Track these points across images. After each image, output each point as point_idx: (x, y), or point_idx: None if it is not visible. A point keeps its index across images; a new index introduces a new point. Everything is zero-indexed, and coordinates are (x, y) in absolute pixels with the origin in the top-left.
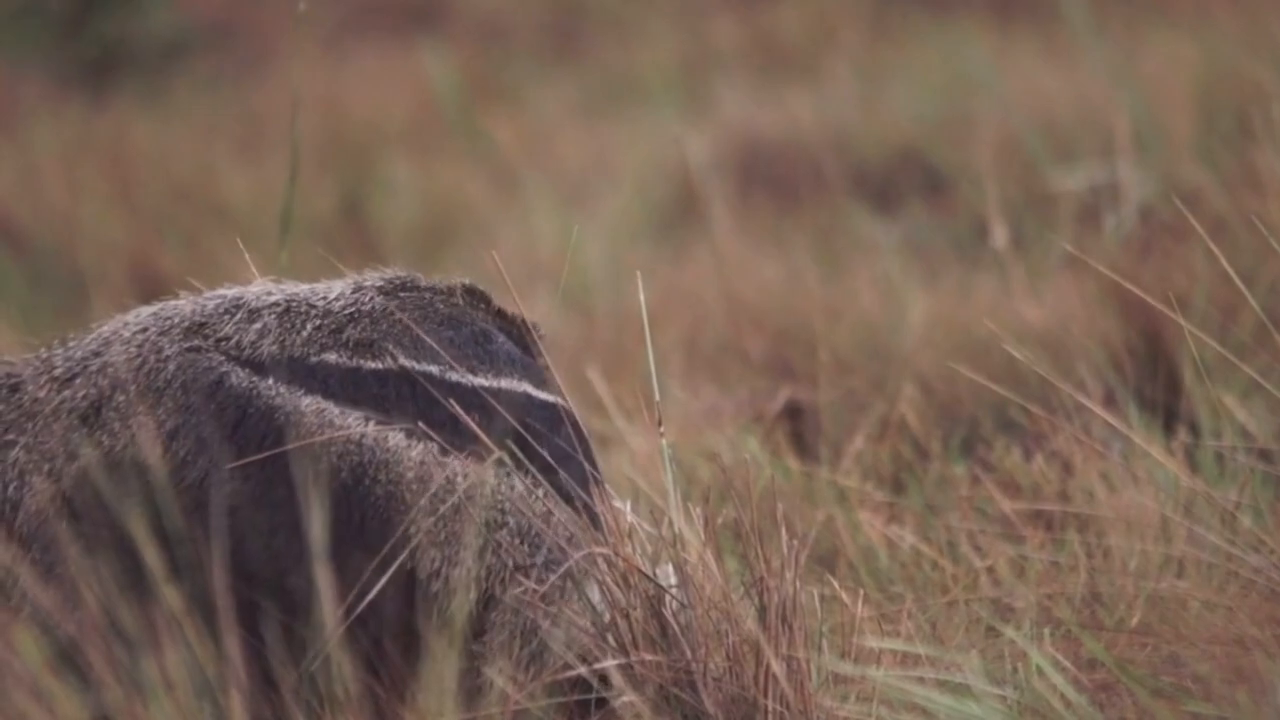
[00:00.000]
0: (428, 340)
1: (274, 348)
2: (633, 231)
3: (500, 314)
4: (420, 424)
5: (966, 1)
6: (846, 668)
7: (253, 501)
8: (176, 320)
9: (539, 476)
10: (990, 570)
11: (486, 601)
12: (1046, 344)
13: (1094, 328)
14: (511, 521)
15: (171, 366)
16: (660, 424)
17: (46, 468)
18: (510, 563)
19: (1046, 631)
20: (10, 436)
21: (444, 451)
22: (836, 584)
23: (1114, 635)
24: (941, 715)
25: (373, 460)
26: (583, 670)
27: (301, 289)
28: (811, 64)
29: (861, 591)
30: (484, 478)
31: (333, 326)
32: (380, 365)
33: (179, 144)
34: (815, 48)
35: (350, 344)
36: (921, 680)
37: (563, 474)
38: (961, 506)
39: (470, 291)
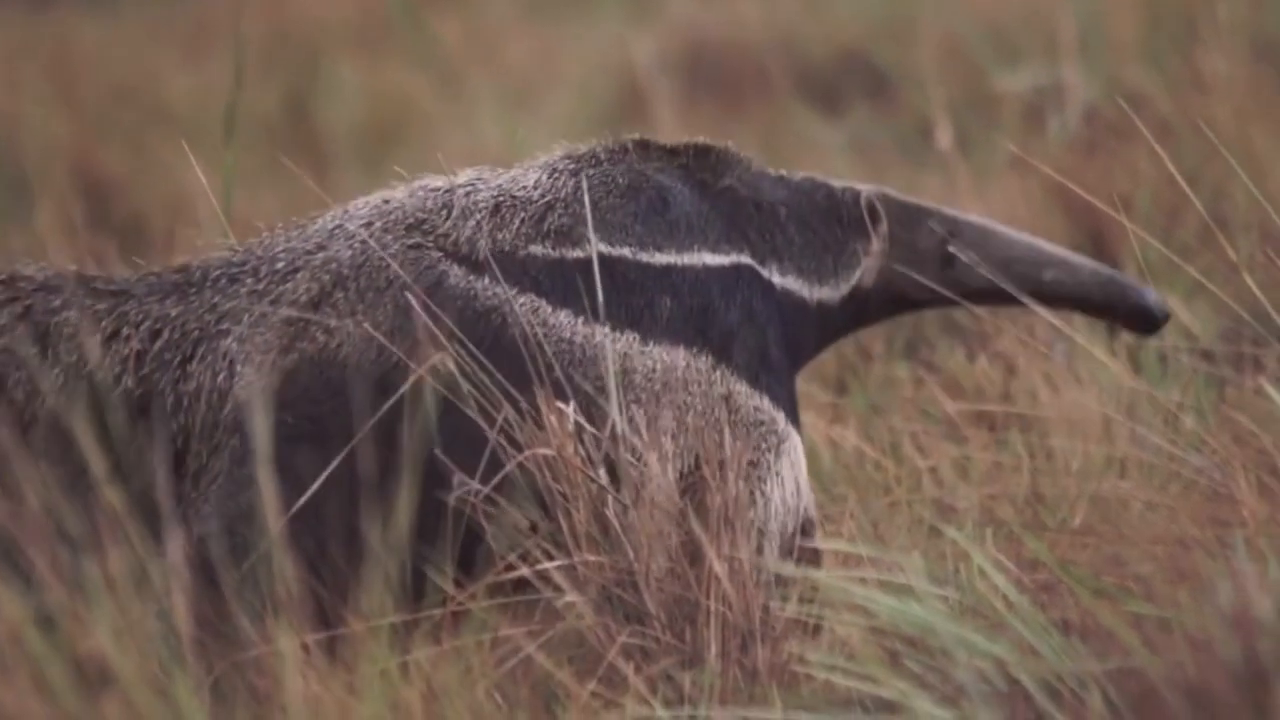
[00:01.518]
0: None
1: (487, 243)
2: (578, 133)
3: (672, 153)
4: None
5: None
6: (788, 568)
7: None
8: (398, 216)
9: (717, 357)
10: (933, 471)
11: (689, 481)
12: None
13: (1038, 228)
14: (698, 404)
15: (387, 269)
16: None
17: (258, 359)
18: (703, 445)
19: (989, 532)
20: (225, 326)
21: (643, 341)
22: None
23: (1056, 536)
24: (883, 616)
25: (582, 357)
26: (525, 571)
27: (503, 178)
28: None
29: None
30: (674, 364)
31: (536, 217)
32: (581, 253)
33: (122, 46)
34: None
35: (552, 233)
36: (863, 581)
37: (736, 345)
38: (904, 407)
39: (641, 145)
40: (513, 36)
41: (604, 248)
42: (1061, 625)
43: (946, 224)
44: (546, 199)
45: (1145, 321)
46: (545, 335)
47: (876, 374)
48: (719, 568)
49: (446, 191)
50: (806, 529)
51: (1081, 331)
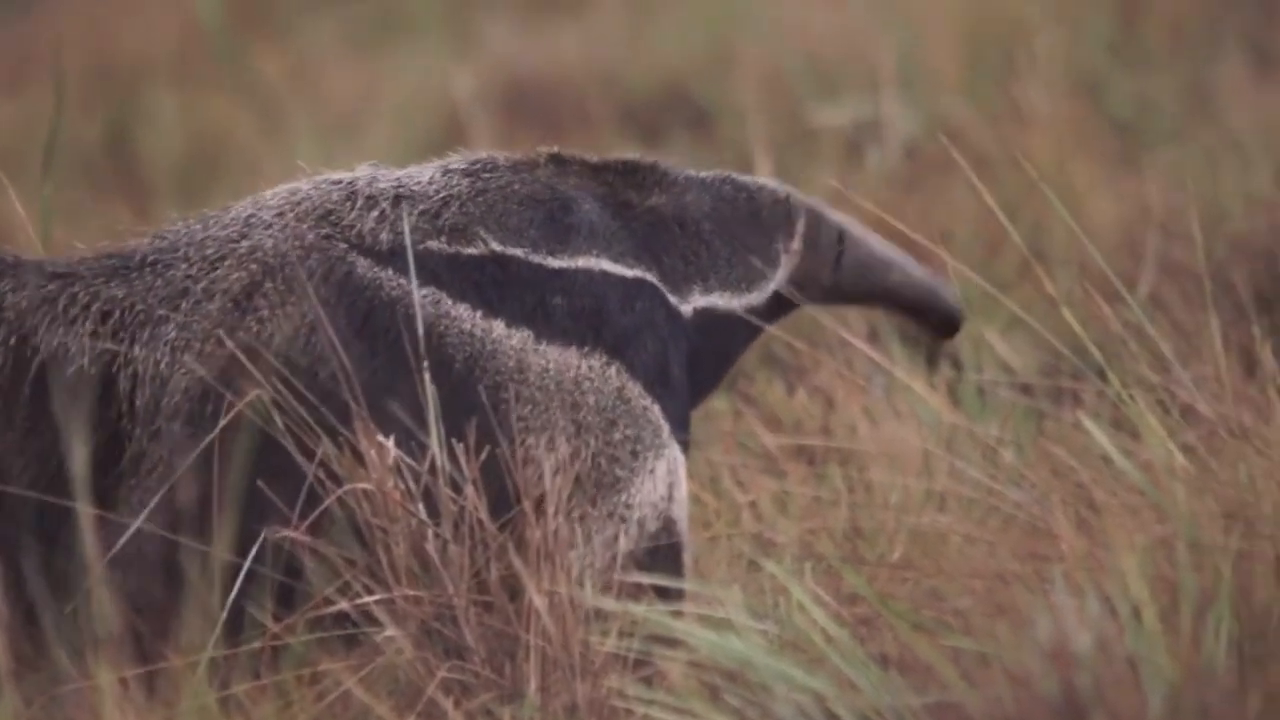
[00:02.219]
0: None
1: (388, 236)
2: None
3: (596, 170)
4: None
5: None
6: (608, 602)
7: (382, 393)
8: (308, 207)
9: (610, 356)
10: (752, 505)
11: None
12: None
13: None
14: (591, 401)
15: (314, 257)
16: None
17: (197, 347)
18: (592, 443)
19: (808, 566)
20: (163, 312)
21: (536, 339)
22: None
23: (875, 570)
24: (703, 650)
25: (481, 351)
26: (344, 605)
27: (400, 174)
28: (580, 1)
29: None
30: (566, 363)
31: (432, 212)
32: (475, 251)
33: None
34: None
35: (447, 229)
36: (683, 615)
37: (631, 348)
38: (723, 441)
39: (557, 160)
40: (333, 68)
41: (497, 246)
42: (880, 659)
43: (837, 225)
44: (442, 195)
45: (953, 325)
46: (447, 328)
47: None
48: (539, 602)
49: (349, 184)
50: (670, 531)
51: (901, 365)
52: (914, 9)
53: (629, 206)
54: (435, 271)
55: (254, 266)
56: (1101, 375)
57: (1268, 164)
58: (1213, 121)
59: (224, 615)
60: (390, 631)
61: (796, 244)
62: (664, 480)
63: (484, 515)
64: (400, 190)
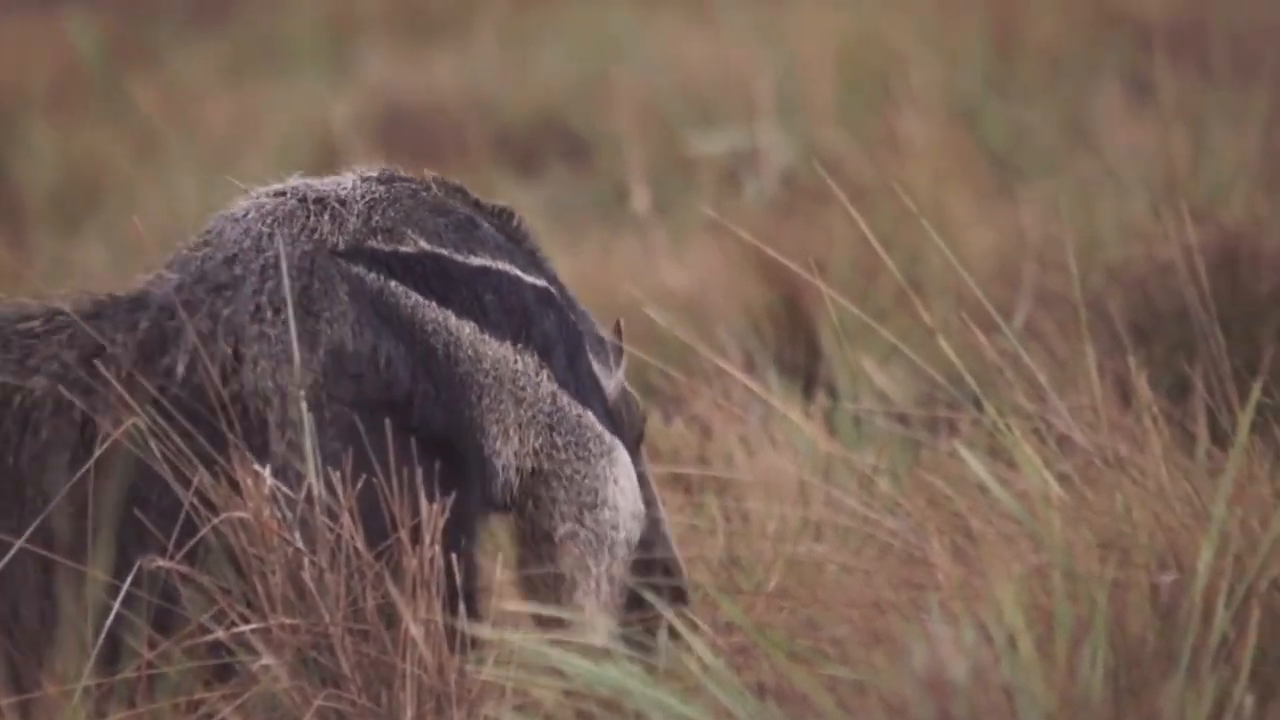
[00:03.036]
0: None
1: (339, 237)
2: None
3: (477, 204)
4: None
5: None
6: (484, 631)
7: (413, 372)
8: (279, 216)
9: (540, 357)
10: None
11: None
12: (687, 308)
13: (734, 292)
14: (529, 396)
15: (319, 260)
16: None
17: (294, 355)
18: (528, 431)
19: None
20: (256, 328)
21: (480, 330)
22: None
23: (752, 598)
24: (579, 678)
25: (452, 340)
26: (220, 634)
27: (322, 184)
28: (456, 27)
29: (500, 554)
30: (505, 356)
31: (364, 215)
32: (410, 249)
33: None
34: (460, 11)
35: (379, 231)
36: (559, 643)
37: (556, 353)
38: None
39: (442, 184)
40: (210, 98)
41: (426, 245)
42: (757, 688)
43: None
44: (366, 200)
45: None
46: (424, 317)
47: None
48: (415, 630)
49: (293, 192)
50: (656, 527)
51: (777, 394)
52: (791, 39)
53: (513, 241)
54: (389, 267)
55: (294, 272)
56: (978, 405)
57: (1143, 194)
58: (1089, 151)
59: (99, 643)
60: (266, 660)
61: (620, 374)
62: (628, 486)
63: (360, 544)
64: (334, 196)
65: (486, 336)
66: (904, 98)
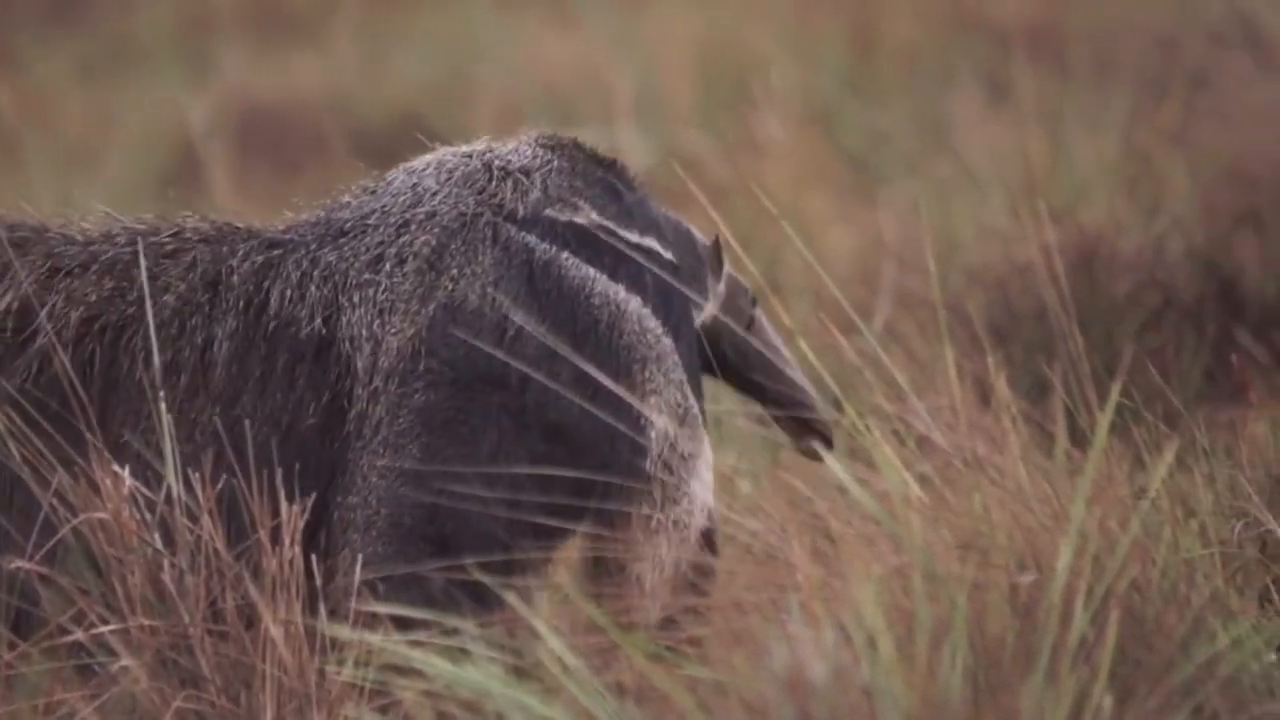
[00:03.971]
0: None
1: (522, 205)
2: (135, 196)
3: (599, 160)
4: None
5: None
6: (344, 632)
7: (549, 354)
8: (459, 176)
9: (673, 337)
10: None
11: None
12: None
13: None
14: (674, 377)
15: (480, 222)
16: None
17: (402, 308)
18: (670, 409)
19: (545, 596)
20: (367, 276)
21: (643, 305)
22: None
23: (614, 600)
24: (440, 679)
25: (617, 312)
26: (80, 635)
27: (506, 148)
28: (315, 29)
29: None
30: (661, 334)
31: (543, 184)
32: (583, 220)
33: None
34: (319, 13)
35: (555, 200)
36: (420, 644)
37: (682, 337)
38: None
39: (594, 153)
40: (67, 99)
41: (595, 216)
42: (617, 689)
43: (750, 292)
44: (544, 168)
45: (826, 439)
46: (591, 289)
47: None
48: (275, 631)
49: (480, 155)
50: (711, 520)
51: None
52: (650, 40)
53: (634, 195)
54: (564, 238)
55: (437, 230)
56: (837, 405)
57: (1002, 195)
58: (947, 153)
59: None
60: (125, 661)
61: (721, 286)
62: (707, 479)
63: (220, 544)
64: (516, 163)
65: (648, 311)
66: (763, 99)
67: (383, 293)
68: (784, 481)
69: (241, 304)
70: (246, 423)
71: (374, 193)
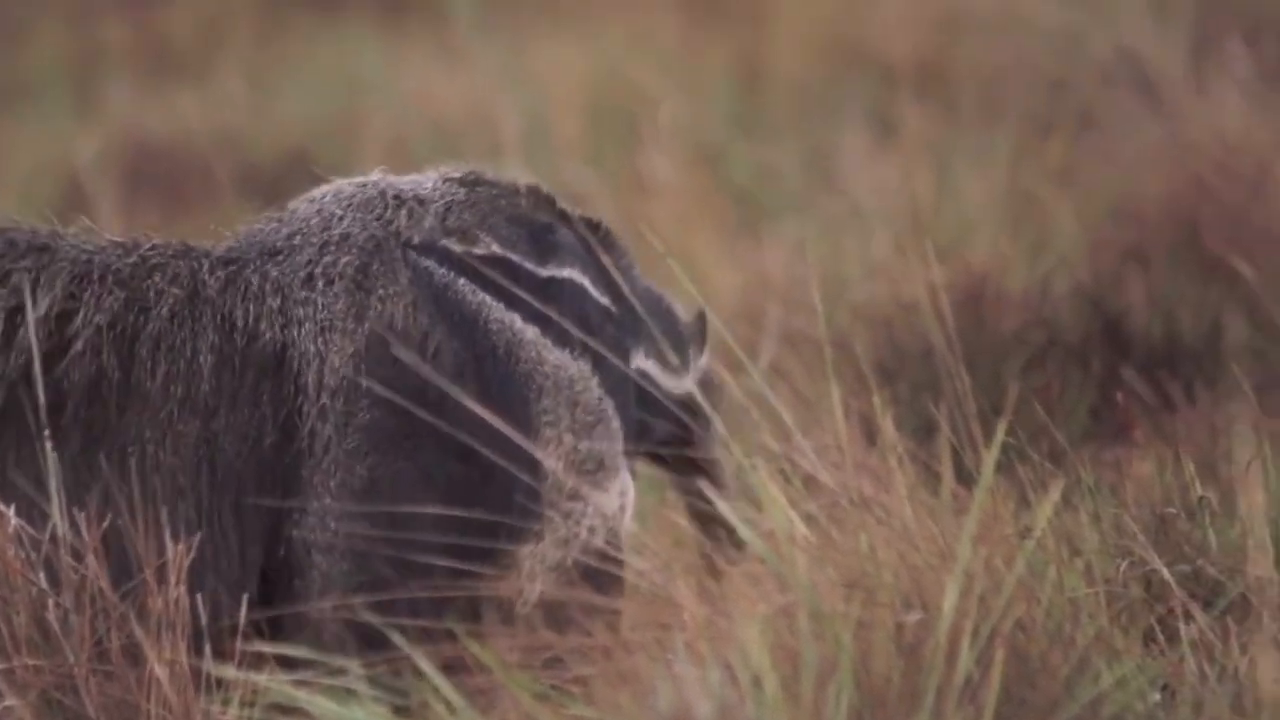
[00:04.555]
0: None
1: (414, 233)
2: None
3: (564, 215)
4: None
5: (358, 2)
6: (230, 672)
7: (460, 373)
8: (359, 202)
9: (592, 364)
10: None
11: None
12: None
13: None
14: (582, 402)
15: (391, 244)
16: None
17: (339, 325)
18: (572, 435)
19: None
20: (305, 293)
21: (543, 334)
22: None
23: (499, 639)
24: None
25: (515, 339)
26: None
27: (403, 181)
28: (203, 66)
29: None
30: (565, 362)
31: (441, 215)
32: (481, 251)
33: None
34: (207, 49)
35: (454, 231)
36: (306, 684)
37: (604, 368)
38: None
39: (532, 192)
40: None
41: (497, 249)
42: None
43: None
44: (446, 200)
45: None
46: (488, 315)
47: None
48: (160, 671)
49: (374, 184)
50: (616, 546)
51: None
52: (538, 76)
53: (591, 253)
54: (459, 265)
55: (355, 250)
56: (724, 445)
57: (888, 233)
58: (834, 191)
59: None
60: (10, 701)
61: (704, 360)
62: (617, 497)
63: (105, 584)
64: (411, 192)
65: (549, 341)
66: (650, 136)
67: (321, 311)
68: (670, 520)
69: (219, 318)
70: (224, 437)
71: (278, 220)
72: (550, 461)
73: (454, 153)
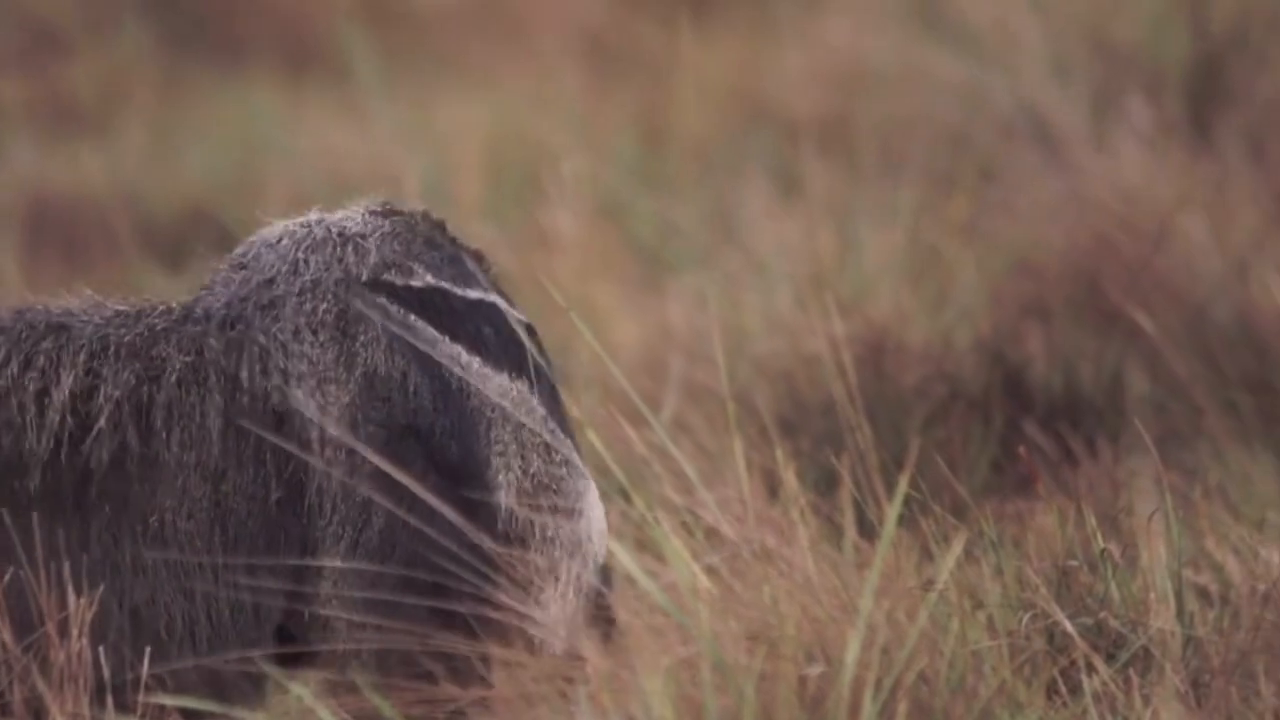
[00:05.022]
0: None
1: (363, 269)
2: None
3: (454, 241)
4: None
5: (258, 58)
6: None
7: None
8: (309, 244)
9: (531, 386)
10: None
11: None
12: None
13: None
14: (527, 421)
15: (357, 286)
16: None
17: (333, 376)
18: (521, 461)
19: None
20: (296, 347)
21: (484, 362)
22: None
23: (401, 691)
24: None
25: (464, 374)
26: None
27: (335, 217)
28: (104, 121)
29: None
30: (506, 386)
31: (378, 248)
32: (419, 283)
33: None
34: (108, 105)
35: (391, 264)
36: None
37: (543, 384)
38: None
39: (426, 218)
40: None
41: (431, 279)
42: None
43: None
44: (378, 233)
45: None
46: (440, 350)
47: None
48: None
49: (315, 224)
50: (605, 576)
51: None
52: (439, 131)
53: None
54: (405, 300)
55: (330, 296)
56: (626, 497)
57: (790, 288)
58: (736, 245)
59: None
60: None
61: None
62: (598, 507)
63: (8, 637)
64: (351, 229)
65: (489, 370)
66: (552, 191)
67: (313, 364)
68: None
69: (223, 381)
70: (233, 499)
71: (244, 267)
72: (505, 495)
73: None
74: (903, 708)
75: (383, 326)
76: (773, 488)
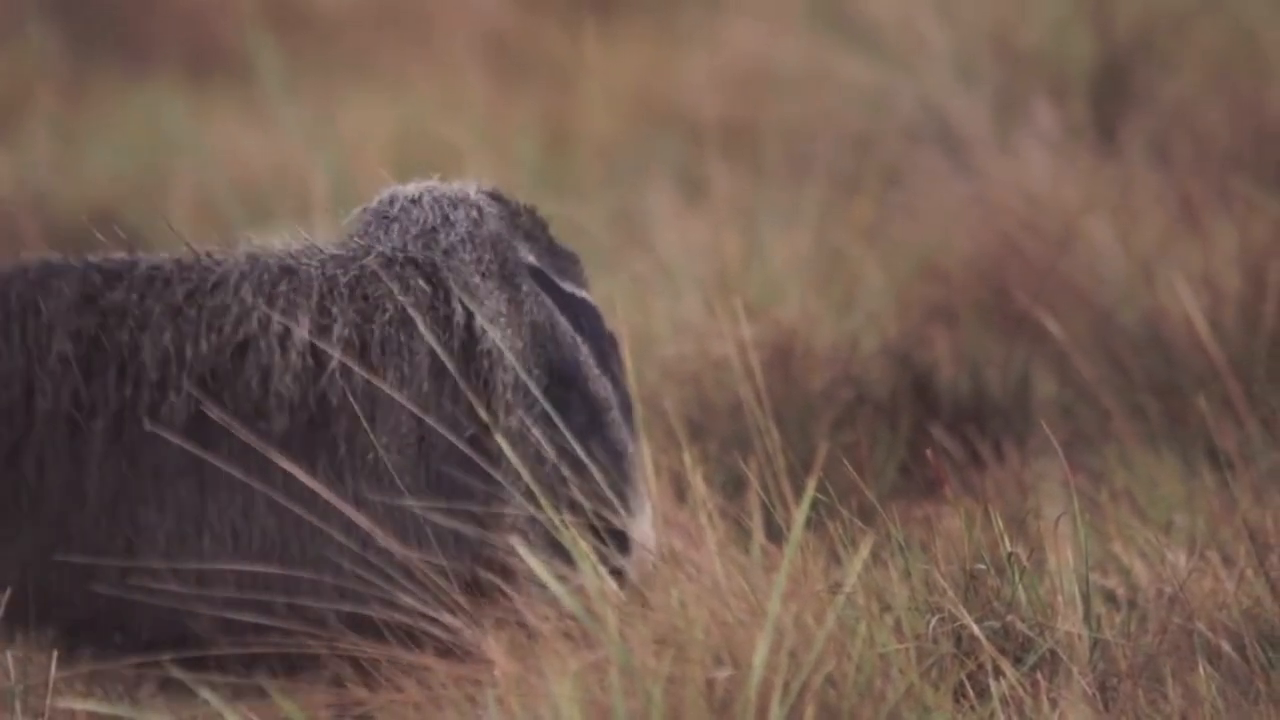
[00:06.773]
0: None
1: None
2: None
3: (552, 240)
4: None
5: (164, 61)
6: None
7: None
8: (450, 200)
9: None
10: None
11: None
12: None
13: None
14: (611, 419)
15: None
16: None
17: (509, 319)
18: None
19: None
20: (480, 289)
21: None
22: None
23: (309, 694)
24: None
25: (574, 343)
26: None
27: (457, 188)
28: (8, 124)
29: (56, 652)
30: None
31: (492, 220)
32: (531, 261)
33: None
34: (12, 107)
35: (500, 238)
36: None
37: (620, 383)
38: None
39: (530, 212)
40: None
41: (535, 262)
42: None
43: None
44: (490, 209)
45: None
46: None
47: None
48: None
49: (440, 189)
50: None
51: None
52: (346, 132)
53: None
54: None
55: (489, 247)
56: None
57: (697, 291)
58: (642, 248)
59: None
60: None
61: None
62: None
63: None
64: (475, 199)
65: (592, 359)
66: None
67: (494, 307)
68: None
69: (430, 320)
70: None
71: (393, 220)
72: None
73: (262, 211)
74: (810, 711)
75: (531, 283)
76: (681, 491)
